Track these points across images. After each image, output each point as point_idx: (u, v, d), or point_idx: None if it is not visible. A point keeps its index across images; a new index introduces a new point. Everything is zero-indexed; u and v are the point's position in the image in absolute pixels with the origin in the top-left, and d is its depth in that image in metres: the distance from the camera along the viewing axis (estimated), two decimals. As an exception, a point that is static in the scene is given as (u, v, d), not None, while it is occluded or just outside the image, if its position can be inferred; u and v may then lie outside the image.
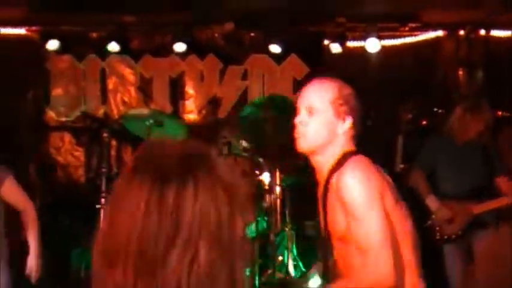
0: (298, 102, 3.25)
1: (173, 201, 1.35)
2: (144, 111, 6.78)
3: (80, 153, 8.21)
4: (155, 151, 1.42)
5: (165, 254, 1.33)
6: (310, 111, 3.18)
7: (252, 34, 7.96)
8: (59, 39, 7.83)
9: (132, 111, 7.20)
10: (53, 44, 7.85)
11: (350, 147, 3.21)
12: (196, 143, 1.46)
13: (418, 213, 5.91)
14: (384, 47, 7.74)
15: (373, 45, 7.64)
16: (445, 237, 5.79)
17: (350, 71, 7.85)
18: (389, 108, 7.63)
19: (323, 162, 3.20)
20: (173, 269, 1.33)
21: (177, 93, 8.16)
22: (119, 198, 1.39)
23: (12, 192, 4.83)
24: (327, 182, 3.16)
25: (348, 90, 3.23)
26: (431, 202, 5.81)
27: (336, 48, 7.83)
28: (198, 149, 1.43)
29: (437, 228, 5.80)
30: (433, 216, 5.81)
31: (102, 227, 1.41)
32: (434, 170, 5.91)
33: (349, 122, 3.19)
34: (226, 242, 1.37)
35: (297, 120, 3.23)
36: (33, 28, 8.01)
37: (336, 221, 3.14)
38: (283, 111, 6.20)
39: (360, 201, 3.02)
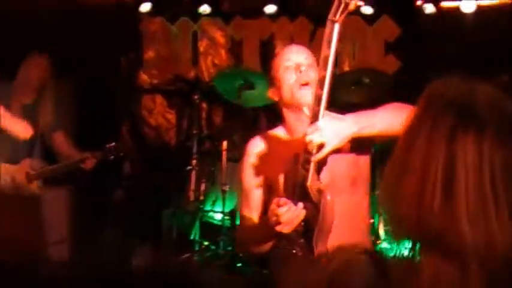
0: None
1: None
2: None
3: (171, 115, 8.30)
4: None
5: None
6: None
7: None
8: (151, 1, 7.90)
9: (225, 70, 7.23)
10: (145, 7, 7.94)
11: None
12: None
13: None
14: (479, 7, 7.49)
15: (468, 5, 7.41)
16: None
17: (444, 32, 7.64)
18: (480, 72, 7.37)
19: None
20: None
21: (267, 55, 8.12)
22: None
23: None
24: None
25: None
26: None
27: (429, 8, 7.62)
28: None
29: None
30: None
31: None
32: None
33: None
34: None
35: None
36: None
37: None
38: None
39: None
